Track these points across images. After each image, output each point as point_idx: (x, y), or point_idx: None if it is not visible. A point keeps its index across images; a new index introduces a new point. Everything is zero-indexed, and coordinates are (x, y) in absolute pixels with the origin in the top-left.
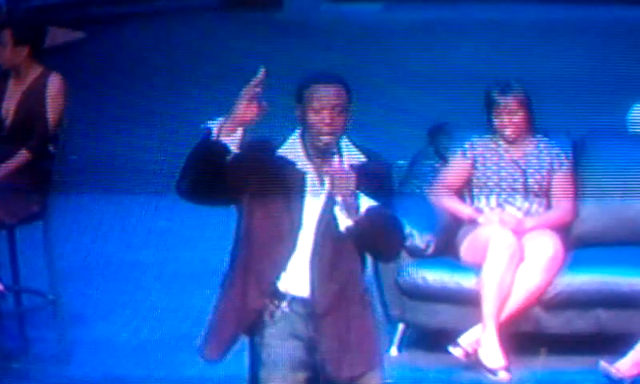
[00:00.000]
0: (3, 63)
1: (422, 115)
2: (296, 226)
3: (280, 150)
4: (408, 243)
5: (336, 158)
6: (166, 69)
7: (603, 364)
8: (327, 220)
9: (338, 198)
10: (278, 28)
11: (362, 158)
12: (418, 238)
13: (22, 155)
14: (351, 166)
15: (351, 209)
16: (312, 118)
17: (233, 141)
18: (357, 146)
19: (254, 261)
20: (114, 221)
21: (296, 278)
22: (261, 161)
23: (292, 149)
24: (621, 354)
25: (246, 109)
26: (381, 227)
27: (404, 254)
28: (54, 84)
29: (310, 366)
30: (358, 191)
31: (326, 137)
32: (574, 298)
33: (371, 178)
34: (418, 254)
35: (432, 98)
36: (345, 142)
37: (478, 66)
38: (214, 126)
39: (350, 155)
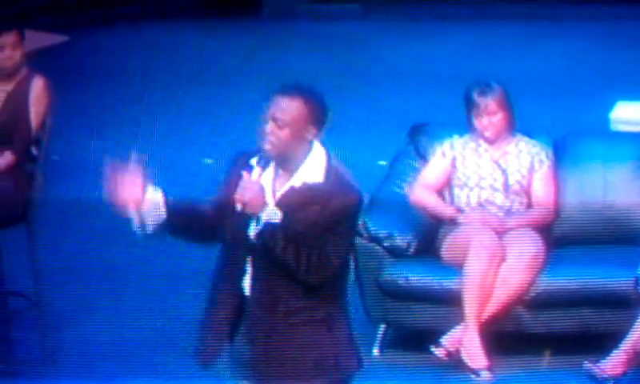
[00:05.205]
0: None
1: (402, 115)
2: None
3: (253, 159)
4: (388, 243)
5: (257, 169)
6: (148, 73)
7: (587, 364)
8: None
9: (238, 207)
10: (258, 33)
11: (319, 179)
12: (399, 238)
13: (6, 157)
14: (305, 183)
15: (253, 219)
16: (262, 126)
17: (157, 210)
18: (329, 166)
19: (222, 266)
20: (97, 222)
21: (247, 278)
22: (237, 173)
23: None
24: (605, 354)
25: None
26: (276, 248)
27: (385, 254)
28: (38, 86)
29: (247, 365)
30: (264, 205)
31: (265, 146)
32: (555, 297)
33: (314, 201)
34: (399, 254)
35: (412, 98)
36: (315, 158)
37: (457, 67)
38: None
39: (308, 173)
